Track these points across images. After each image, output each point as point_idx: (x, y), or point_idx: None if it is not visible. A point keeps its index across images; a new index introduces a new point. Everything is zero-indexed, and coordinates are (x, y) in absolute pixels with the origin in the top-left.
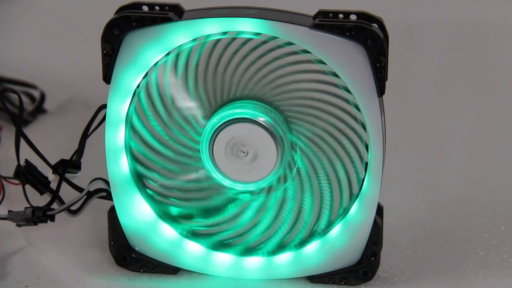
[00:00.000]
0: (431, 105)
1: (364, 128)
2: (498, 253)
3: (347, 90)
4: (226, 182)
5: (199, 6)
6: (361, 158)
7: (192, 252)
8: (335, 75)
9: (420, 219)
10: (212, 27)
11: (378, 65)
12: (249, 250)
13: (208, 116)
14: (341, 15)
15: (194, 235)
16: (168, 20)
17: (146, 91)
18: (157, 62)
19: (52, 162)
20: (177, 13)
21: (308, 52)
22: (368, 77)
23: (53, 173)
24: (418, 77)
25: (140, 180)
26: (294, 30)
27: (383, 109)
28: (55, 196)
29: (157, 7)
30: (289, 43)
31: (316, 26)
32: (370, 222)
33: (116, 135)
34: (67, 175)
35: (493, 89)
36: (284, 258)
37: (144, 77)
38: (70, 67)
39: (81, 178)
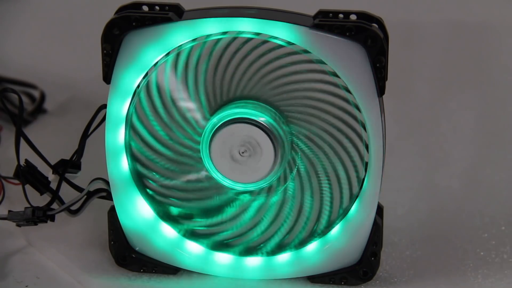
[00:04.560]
0: (431, 105)
1: (364, 128)
2: (498, 253)
3: (347, 90)
4: (226, 182)
5: (199, 6)
6: (361, 158)
7: (192, 252)
8: (335, 75)
9: (420, 219)
10: (212, 27)
11: (378, 65)
12: (249, 250)
13: (208, 116)
14: (341, 15)
15: (194, 235)
16: (168, 20)
17: (146, 91)
18: (157, 62)
19: (52, 162)
20: (177, 13)
21: (308, 52)
22: (368, 77)
23: (53, 173)
24: (418, 77)
25: (140, 180)
26: (294, 30)
27: (383, 109)
28: (55, 196)
29: (157, 7)
30: (289, 43)
31: (316, 26)
32: (370, 222)
33: (116, 135)
34: (67, 175)
35: (493, 89)
36: (284, 258)
37: (144, 77)
38: (70, 67)
39: (81, 178)
